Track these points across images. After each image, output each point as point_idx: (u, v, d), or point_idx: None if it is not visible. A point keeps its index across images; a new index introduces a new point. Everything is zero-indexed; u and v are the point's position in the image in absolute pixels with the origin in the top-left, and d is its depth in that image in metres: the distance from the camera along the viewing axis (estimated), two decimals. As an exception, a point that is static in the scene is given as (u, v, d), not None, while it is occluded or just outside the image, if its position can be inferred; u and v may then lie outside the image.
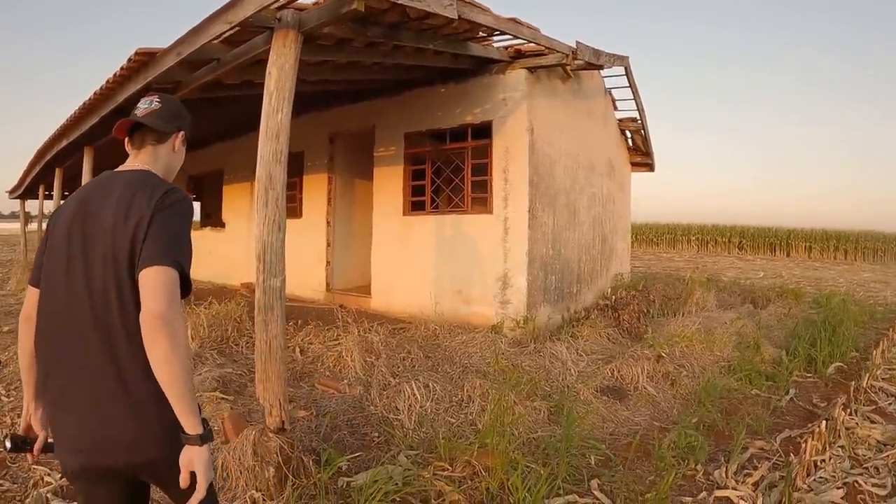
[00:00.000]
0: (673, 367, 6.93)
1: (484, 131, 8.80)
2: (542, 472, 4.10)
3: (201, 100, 8.08)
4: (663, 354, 7.22)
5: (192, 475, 1.81)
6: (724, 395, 6.35)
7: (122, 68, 6.39)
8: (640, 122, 13.73)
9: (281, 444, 3.86)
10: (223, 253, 14.27)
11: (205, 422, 1.86)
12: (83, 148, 9.55)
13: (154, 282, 1.81)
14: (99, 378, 1.88)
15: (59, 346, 1.95)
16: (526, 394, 5.74)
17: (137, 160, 2.21)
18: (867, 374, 6.93)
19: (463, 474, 4.20)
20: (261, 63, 4.80)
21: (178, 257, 1.90)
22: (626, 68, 10.97)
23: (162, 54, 5.82)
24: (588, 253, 10.94)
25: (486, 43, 7.72)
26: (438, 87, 9.17)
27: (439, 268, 9.10)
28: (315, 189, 11.53)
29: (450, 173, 9.28)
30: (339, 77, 7.67)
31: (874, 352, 8.22)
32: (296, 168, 11.66)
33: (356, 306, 9.75)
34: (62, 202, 2.23)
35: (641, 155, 15.29)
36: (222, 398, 5.25)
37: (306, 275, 11.31)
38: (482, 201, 8.99)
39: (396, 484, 3.84)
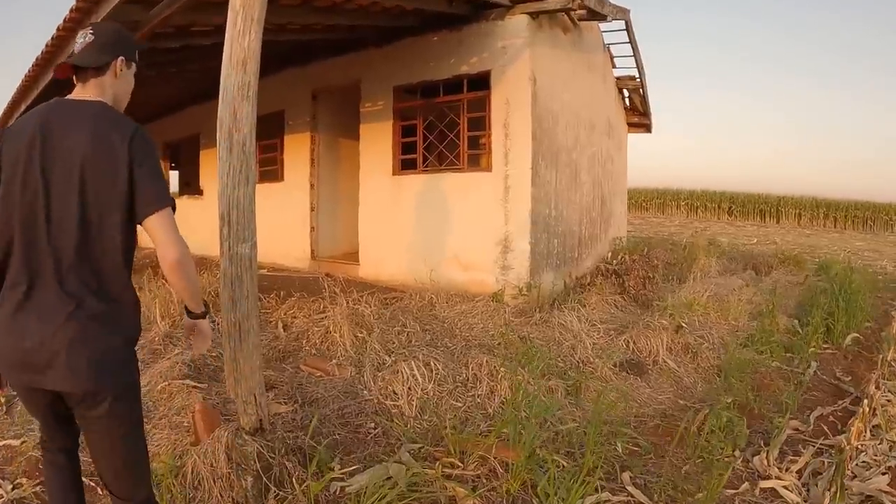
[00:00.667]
0: (693, 339, 6.39)
1: (481, 82, 8.07)
2: (566, 465, 3.55)
3: (169, 52, 7.32)
4: (683, 325, 6.73)
5: None
6: (748, 369, 5.75)
7: (70, 11, 5.66)
8: (639, 80, 13.28)
9: (259, 448, 3.20)
10: (201, 222, 13.38)
11: (205, 303, 2.38)
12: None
13: (164, 226, 2.04)
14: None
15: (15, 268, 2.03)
16: (540, 371, 5.08)
17: (86, 91, 2.18)
18: (889, 347, 6.54)
19: (477, 473, 3.54)
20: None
21: (169, 195, 2.11)
22: (626, 23, 10.52)
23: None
24: (588, 215, 10.34)
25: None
26: (430, 36, 8.39)
27: (433, 231, 8.38)
28: (297, 150, 10.73)
29: (443, 128, 8.57)
30: (318, 21, 6.94)
31: (894, 323, 7.85)
32: (276, 128, 11.02)
33: (344, 275, 9.04)
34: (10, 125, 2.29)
35: (639, 115, 14.90)
36: (194, 387, 4.51)
37: (289, 242, 10.65)
38: (479, 158, 8.33)
39: (400, 488, 3.14)
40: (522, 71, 7.62)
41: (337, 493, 3.26)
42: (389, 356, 5.23)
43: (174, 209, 2.09)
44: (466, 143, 8.33)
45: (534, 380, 4.83)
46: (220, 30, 6.75)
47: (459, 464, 3.60)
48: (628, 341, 6.26)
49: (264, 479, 3.12)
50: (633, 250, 11.05)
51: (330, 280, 8.02)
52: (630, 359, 5.94)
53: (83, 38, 2.21)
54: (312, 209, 10.45)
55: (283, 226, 10.65)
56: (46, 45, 6.62)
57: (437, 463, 3.56)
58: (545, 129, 7.99)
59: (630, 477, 3.65)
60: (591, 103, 10.60)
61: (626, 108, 14.28)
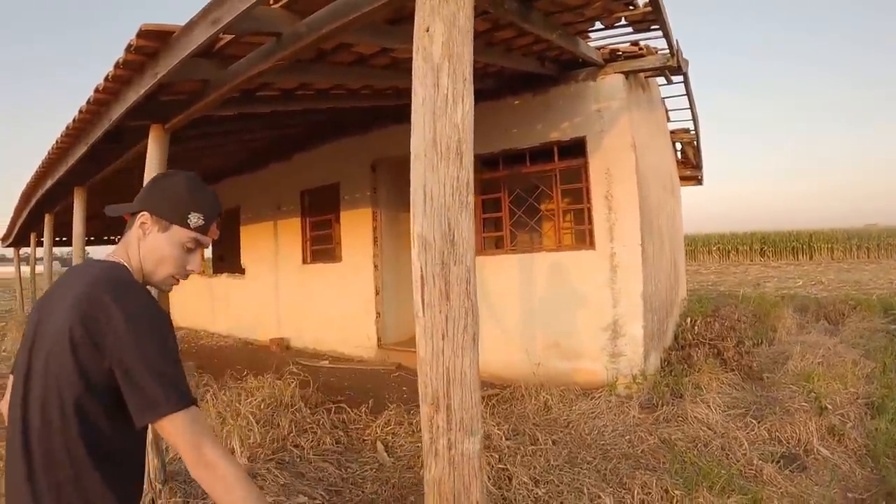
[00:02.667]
0: (838, 420, 5.72)
1: (575, 149, 7.38)
2: None
3: (223, 121, 6.63)
4: (828, 406, 6.10)
5: None
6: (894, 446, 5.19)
7: (116, 66, 4.25)
8: (693, 132, 12.67)
9: None
10: (244, 302, 12.85)
11: None
12: (72, 189, 8.00)
13: (174, 437, 1.58)
14: None
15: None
16: (719, 489, 4.29)
17: (119, 250, 1.87)
18: None
19: None
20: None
21: (178, 389, 1.60)
22: (684, 75, 9.87)
23: (182, 32, 3.72)
24: (667, 281, 9.59)
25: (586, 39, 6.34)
26: (510, 100, 7.73)
27: (529, 317, 7.59)
28: (356, 227, 10.01)
29: (533, 202, 7.81)
30: (376, 83, 6.26)
31: None
32: (331, 202, 10.38)
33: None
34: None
35: (691, 168, 14.30)
36: None
37: (350, 329, 9.90)
38: (579, 234, 7.56)
39: None
40: (623, 137, 6.94)
41: None
42: (537, 487, 4.39)
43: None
44: (561, 217, 7.60)
45: (715, 499, 4.11)
46: (289, 95, 6.18)
47: None
48: (770, 430, 5.58)
49: None
50: (705, 312, 10.60)
51: (405, 373, 7.29)
52: (785, 453, 5.22)
53: None
54: (377, 292, 9.69)
55: (343, 311, 9.96)
56: (80, 110, 5.35)
57: None
58: (644, 199, 7.28)
59: None
60: (663, 162, 10.06)
61: (678, 161, 13.68)
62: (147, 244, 1.83)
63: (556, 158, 7.51)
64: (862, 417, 5.87)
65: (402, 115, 7.71)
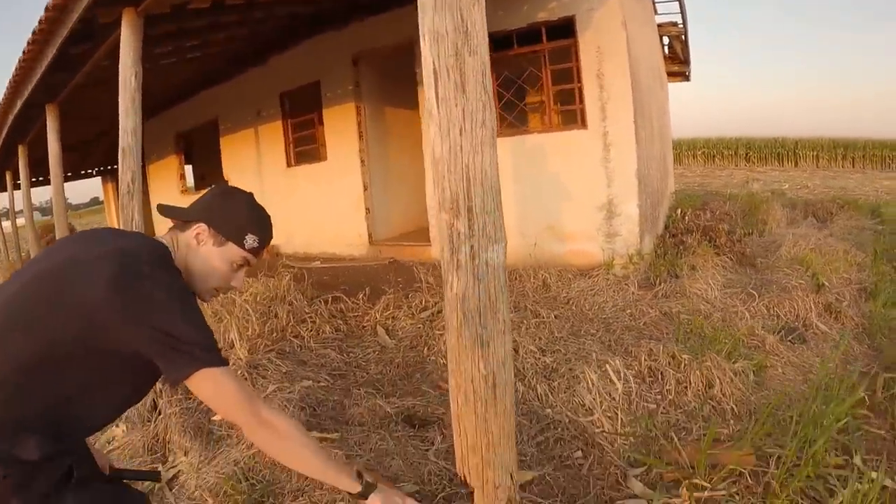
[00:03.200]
0: (834, 299, 5.76)
1: (563, 29, 7.09)
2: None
3: (197, 16, 6.34)
4: (825, 283, 6.21)
5: None
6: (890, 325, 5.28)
7: None
8: (681, 26, 12.35)
9: None
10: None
11: (359, 474, 1.79)
12: (44, 109, 7.70)
13: (219, 394, 1.63)
14: None
15: None
16: (725, 354, 4.29)
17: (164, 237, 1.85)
18: None
19: (731, 492, 2.76)
20: None
21: (216, 349, 1.62)
22: None
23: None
24: (658, 169, 9.48)
25: None
26: (494, -20, 7.39)
27: (522, 200, 7.41)
28: (340, 125, 9.70)
29: (522, 84, 7.60)
30: None
31: None
32: (312, 102, 10.06)
33: (412, 258, 8.14)
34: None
35: (679, 63, 14.05)
36: (323, 438, 3.50)
37: (339, 227, 9.73)
38: (569, 115, 7.34)
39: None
40: (613, 14, 6.68)
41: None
42: (544, 355, 4.32)
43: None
44: (553, 98, 7.37)
45: (722, 363, 4.09)
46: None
47: (705, 483, 2.79)
48: (768, 306, 5.63)
49: None
50: (694, 205, 10.60)
51: (398, 266, 7.20)
52: (785, 326, 5.26)
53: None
54: (365, 188, 9.46)
55: (331, 210, 9.77)
56: (47, 8, 5.24)
57: (682, 488, 2.78)
58: (636, 78, 7.06)
59: (863, 460, 2.96)
60: (650, 52, 9.82)
61: (665, 57, 13.40)
62: (199, 254, 1.83)
63: (544, 39, 7.24)
64: (856, 299, 5.95)
65: (381, 5, 7.37)
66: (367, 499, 1.77)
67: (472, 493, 2.25)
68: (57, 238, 8.73)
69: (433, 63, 2.07)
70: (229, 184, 12.39)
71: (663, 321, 5.27)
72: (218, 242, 1.84)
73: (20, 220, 19.15)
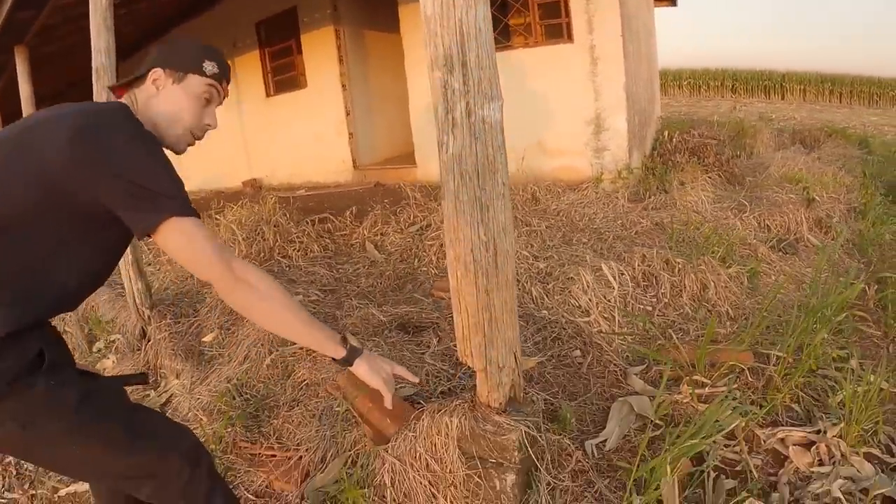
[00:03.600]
0: (824, 215, 5.84)
1: (550, -61, 6.84)
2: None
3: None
4: (816, 198, 6.32)
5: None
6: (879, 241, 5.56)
7: None
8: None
9: (524, 431, 2.11)
10: (209, 151, 12.17)
11: (343, 339, 1.75)
12: (11, 50, 7.42)
13: (189, 248, 1.52)
14: None
15: None
16: (719, 259, 4.28)
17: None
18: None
19: (731, 388, 2.78)
20: None
21: (183, 197, 1.53)
22: None
23: None
24: (646, 90, 9.37)
25: None
26: None
27: (508, 116, 7.18)
28: (319, 50, 9.48)
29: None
30: None
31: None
32: (289, 28, 9.79)
33: (398, 181, 8.02)
34: None
35: (665, -14, 13.82)
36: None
37: (323, 155, 9.59)
38: (555, 29, 7.15)
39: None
40: (597, -83, 6.44)
41: (594, 454, 2.44)
42: (537, 261, 4.27)
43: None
44: (537, 11, 7.17)
45: (717, 268, 4.11)
46: None
47: (705, 380, 2.82)
48: (759, 219, 5.63)
49: (536, 468, 2.18)
50: (682, 129, 10.51)
51: (384, 189, 7.10)
52: (776, 237, 5.31)
53: None
54: (348, 113, 9.29)
55: (314, 137, 9.60)
56: None
57: (682, 384, 2.79)
58: (623, -7, 6.85)
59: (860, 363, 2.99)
60: (634, -34, 9.46)
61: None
62: (161, 99, 1.74)
63: (527, -55, 7.00)
64: (846, 217, 6.02)
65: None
66: (352, 364, 1.74)
67: (474, 374, 2.18)
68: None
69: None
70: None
71: (655, 230, 5.23)
72: (177, 79, 1.75)
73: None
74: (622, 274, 4.03)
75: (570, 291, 3.70)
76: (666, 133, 9.55)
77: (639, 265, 4.15)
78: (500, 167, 1.93)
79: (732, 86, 38.05)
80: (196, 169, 12.42)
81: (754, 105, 30.86)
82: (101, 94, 4.25)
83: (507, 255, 1.99)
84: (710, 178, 7.09)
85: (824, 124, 18.24)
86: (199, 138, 1.84)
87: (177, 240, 1.50)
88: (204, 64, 1.77)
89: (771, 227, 5.51)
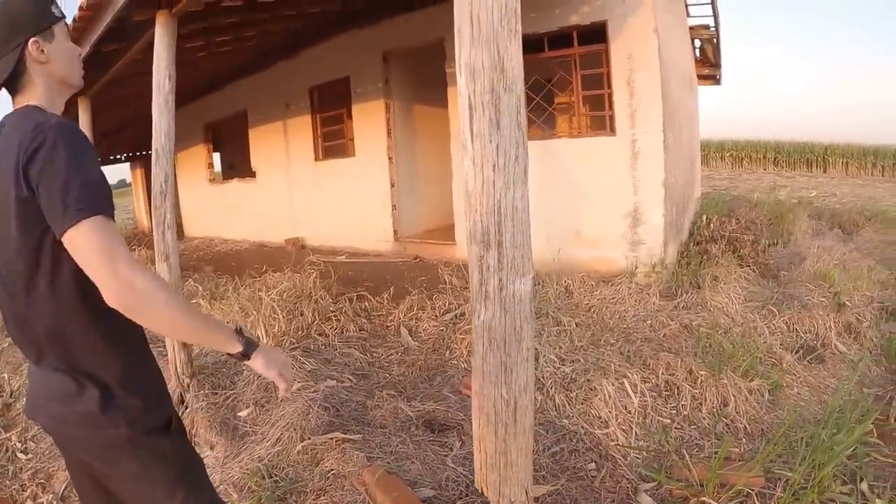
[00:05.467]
0: (854, 319, 5.67)
1: (595, 34, 7.09)
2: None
3: (229, 13, 6.45)
4: (847, 303, 6.02)
5: None
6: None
7: None
8: (713, 29, 12.22)
9: None
10: (257, 206, 12.73)
11: (239, 333, 1.70)
12: (76, 100, 7.80)
13: (80, 251, 1.44)
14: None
15: None
16: (742, 372, 4.27)
17: (22, 99, 1.67)
18: None
19: None
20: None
21: (86, 202, 1.44)
22: None
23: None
24: (685, 176, 9.45)
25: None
26: (528, -17, 7.39)
27: (548, 204, 7.30)
28: (369, 121, 9.77)
29: (552, 88, 7.59)
30: None
31: None
32: (342, 97, 10.11)
33: (436, 257, 8.21)
34: None
35: (710, 66, 13.91)
36: (345, 439, 3.57)
37: (366, 223, 9.83)
38: (598, 121, 7.34)
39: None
40: (645, 21, 6.65)
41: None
42: (563, 365, 4.38)
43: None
44: (582, 103, 7.38)
45: (738, 381, 4.11)
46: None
47: (712, 502, 2.87)
48: (789, 322, 5.55)
49: None
50: (720, 212, 10.48)
51: (422, 264, 7.24)
52: (804, 344, 5.23)
53: None
54: (392, 185, 9.54)
55: (358, 205, 9.86)
56: (81, 9, 5.38)
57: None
58: (666, 86, 7.02)
59: (870, 486, 3.03)
60: (682, 55, 9.74)
61: (696, 60, 13.29)
62: (54, 61, 1.69)
63: (575, 43, 7.23)
64: (877, 319, 5.85)
65: (411, 3, 7.42)
66: (249, 358, 1.71)
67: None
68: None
69: (469, 97, 2.13)
70: (256, 176, 12.57)
71: (683, 334, 5.27)
72: (49, 38, 1.68)
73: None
74: (646, 381, 4.11)
75: (591, 402, 3.80)
76: (704, 217, 9.57)
77: (662, 373, 4.22)
78: (525, 336, 2.09)
79: (775, 158, 37.80)
80: (243, 221, 12.80)
81: (796, 179, 30.44)
82: (159, 173, 4.50)
83: (525, 410, 2.15)
84: (744, 272, 7.12)
85: (865, 203, 18.06)
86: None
87: (79, 248, 1.44)
88: (53, 8, 1.71)
89: (799, 331, 5.44)
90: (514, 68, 2.12)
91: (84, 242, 1.41)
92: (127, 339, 1.66)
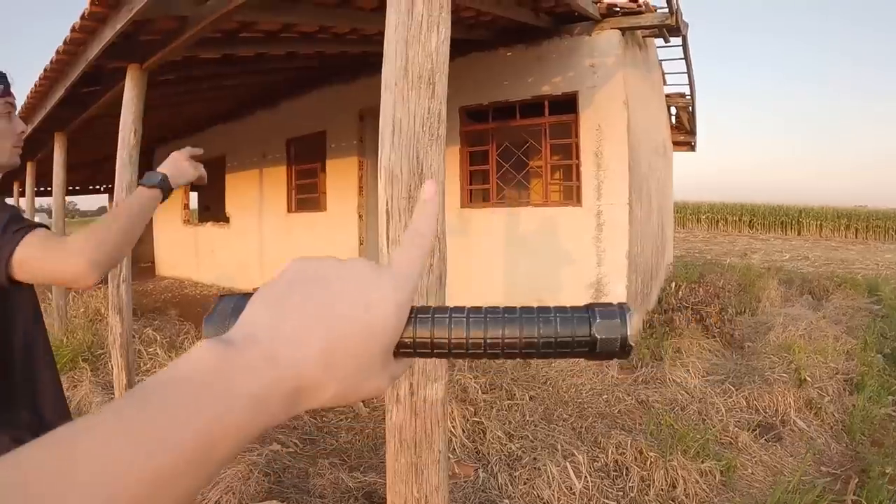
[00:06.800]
0: (816, 394, 5.65)
1: (566, 105, 7.19)
2: None
3: (206, 64, 6.50)
4: (808, 378, 6.01)
5: None
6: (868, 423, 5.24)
7: (92, 3, 4.23)
8: (689, 97, 12.42)
9: None
10: (228, 251, 12.70)
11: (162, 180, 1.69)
12: (53, 135, 7.90)
13: (31, 259, 1.41)
14: None
15: None
16: (694, 453, 4.24)
17: None
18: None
19: None
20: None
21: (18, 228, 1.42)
22: (683, 38, 9.68)
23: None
24: (654, 244, 9.49)
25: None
26: (502, 51, 7.52)
27: (513, 272, 7.48)
28: (342, 177, 9.83)
29: (521, 156, 7.66)
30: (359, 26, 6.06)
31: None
32: (316, 151, 10.19)
33: (402, 317, 8.16)
34: None
35: (685, 133, 14.14)
36: None
37: (333, 279, 9.66)
38: (567, 190, 7.41)
39: None
40: (616, 94, 6.77)
41: None
42: (511, 441, 4.33)
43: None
44: (549, 173, 7.46)
45: (688, 463, 4.05)
46: (273, 37, 6.03)
47: None
48: (748, 398, 5.53)
49: None
50: (690, 278, 10.51)
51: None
52: (761, 422, 5.19)
53: None
54: (361, 243, 9.58)
55: (326, 259, 9.76)
56: (57, 52, 5.36)
57: None
58: (635, 159, 7.13)
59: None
60: (655, 125, 9.87)
61: (672, 126, 13.49)
62: None
63: (546, 113, 7.33)
64: (840, 393, 5.86)
65: (391, 62, 7.48)
66: (171, 187, 1.74)
67: None
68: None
69: (387, 203, 2.11)
70: (230, 221, 12.59)
71: (638, 410, 5.24)
72: None
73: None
74: (595, 461, 4.09)
75: (534, 483, 3.76)
76: (673, 284, 9.62)
77: (612, 452, 4.19)
78: (437, 438, 2.07)
79: (750, 221, 38.42)
80: (214, 265, 12.75)
81: (770, 242, 30.80)
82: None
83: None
84: (708, 343, 7.13)
85: (837, 267, 18.23)
86: (21, 146, 1.80)
87: (32, 258, 1.45)
88: None
89: (759, 407, 5.42)
90: (434, 174, 2.10)
91: (30, 248, 1.41)
92: None
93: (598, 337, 0.52)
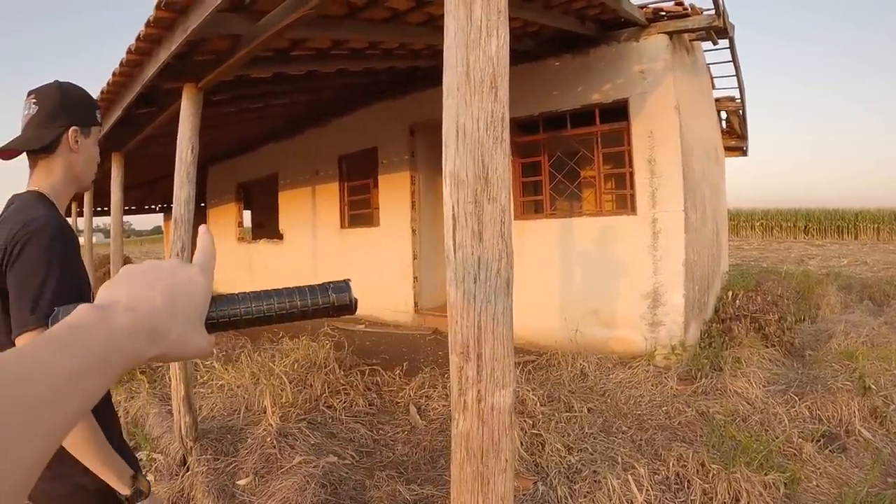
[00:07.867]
0: (881, 402, 5.46)
1: (616, 112, 7.15)
2: None
3: (257, 83, 6.60)
4: (872, 386, 5.81)
5: None
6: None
7: (147, 24, 4.27)
8: (739, 101, 12.23)
9: None
10: (283, 268, 12.83)
11: (134, 478, 1.66)
12: (110, 155, 8.08)
13: None
14: None
15: None
16: (757, 465, 4.12)
17: (32, 180, 1.80)
18: None
19: None
20: None
21: (48, 305, 1.48)
22: (730, 40, 9.54)
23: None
24: (709, 252, 9.33)
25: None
26: (550, 62, 7.52)
27: (567, 283, 7.42)
28: (394, 192, 9.90)
29: (573, 166, 7.64)
30: (411, 41, 6.12)
31: None
32: (368, 167, 10.30)
33: (454, 332, 8.17)
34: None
35: (736, 138, 13.91)
36: None
37: (387, 293, 9.82)
38: (620, 199, 7.37)
39: None
40: (666, 99, 6.69)
41: None
42: (570, 454, 4.29)
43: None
44: (603, 182, 7.41)
45: (752, 475, 3.93)
46: (323, 54, 6.10)
47: None
48: (811, 408, 5.37)
49: None
50: (747, 286, 10.29)
51: (439, 337, 7.21)
52: (825, 432, 5.02)
53: (27, 108, 1.77)
54: (415, 257, 9.61)
55: (380, 275, 9.87)
56: (113, 75, 5.45)
57: None
58: (689, 166, 7.04)
59: None
60: (707, 130, 9.71)
61: (722, 131, 13.29)
62: (82, 155, 1.84)
63: (597, 121, 7.28)
64: None
65: (439, 76, 7.53)
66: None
67: None
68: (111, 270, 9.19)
69: (452, 207, 2.10)
70: (284, 238, 12.74)
71: (699, 421, 5.13)
72: (86, 134, 1.85)
73: (81, 239, 19.88)
74: (656, 473, 4.02)
75: (595, 496, 3.70)
76: (730, 293, 9.44)
77: (673, 465, 4.11)
78: (504, 447, 2.05)
79: (805, 227, 37.69)
80: (269, 281, 12.88)
81: (827, 248, 30.00)
82: (176, 242, 4.56)
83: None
84: (768, 353, 6.97)
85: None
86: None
87: None
88: (97, 114, 1.92)
89: (822, 417, 5.26)
90: (499, 178, 2.07)
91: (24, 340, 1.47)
92: None
93: (335, 302, 0.82)
